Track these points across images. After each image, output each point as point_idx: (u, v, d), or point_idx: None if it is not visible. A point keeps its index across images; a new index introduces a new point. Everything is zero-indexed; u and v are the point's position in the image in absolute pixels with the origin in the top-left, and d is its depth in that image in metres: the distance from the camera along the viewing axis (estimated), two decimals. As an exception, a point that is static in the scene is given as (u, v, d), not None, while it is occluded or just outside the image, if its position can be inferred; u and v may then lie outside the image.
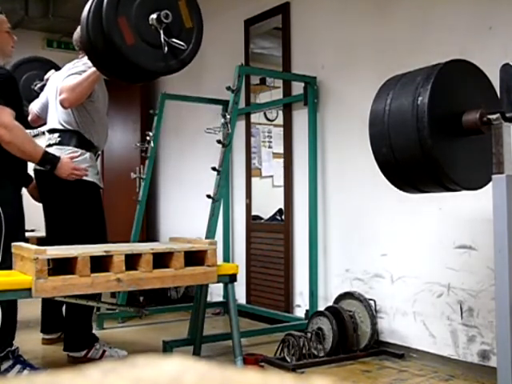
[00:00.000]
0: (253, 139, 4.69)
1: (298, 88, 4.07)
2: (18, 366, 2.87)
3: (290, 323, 3.82)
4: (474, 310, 3.02)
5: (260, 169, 4.81)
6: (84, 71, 3.14)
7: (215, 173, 3.39)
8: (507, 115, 2.10)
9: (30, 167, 3.26)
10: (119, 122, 6.32)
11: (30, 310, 3.78)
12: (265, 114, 4.81)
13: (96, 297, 3.11)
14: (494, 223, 2.09)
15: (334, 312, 3.31)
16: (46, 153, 3.00)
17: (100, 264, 2.57)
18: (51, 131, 3.29)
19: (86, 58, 3.12)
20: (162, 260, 2.73)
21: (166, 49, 2.65)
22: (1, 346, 2.82)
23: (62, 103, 3.11)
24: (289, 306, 4.14)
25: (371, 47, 3.60)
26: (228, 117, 3.38)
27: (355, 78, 3.70)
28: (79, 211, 3.22)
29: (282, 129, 4.32)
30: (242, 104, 4.22)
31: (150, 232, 5.79)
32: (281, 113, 4.38)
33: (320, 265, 3.89)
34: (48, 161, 2.99)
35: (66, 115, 3.22)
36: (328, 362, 3.17)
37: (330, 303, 3.56)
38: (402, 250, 3.39)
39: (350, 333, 3.28)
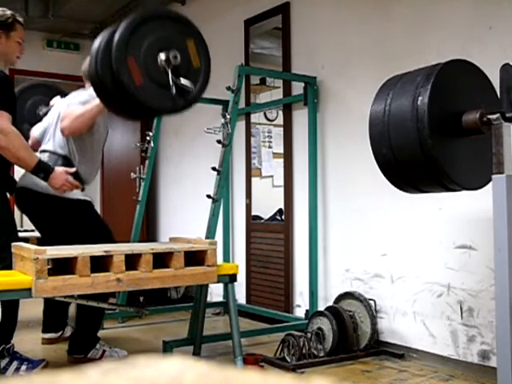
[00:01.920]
0: (253, 139, 4.69)
1: (298, 88, 4.07)
2: (16, 363, 2.87)
3: (289, 323, 3.82)
4: (474, 310, 3.02)
5: (260, 169, 4.81)
6: (89, 101, 3.14)
7: (215, 173, 3.39)
8: (507, 115, 2.10)
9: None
10: (119, 121, 6.32)
11: (30, 310, 3.78)
12: (265, 113, 4.81)
13: (106, 298, 3.12)
14: (494, 223, 2.09)
15: (333, 312, 3.31)
16: (41, 161, 2.97)
17: (100, 264, 2.57)
18: (43, 151, 3.27)
19: (91, 88, 3.11)
20: (162, 260, 2.74)
21: (174, 90, 2.65)
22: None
23: (62, 130, 3.14)
24: (289, 306, 4.14)
25: (371, 47, 3.60)
26: (228, 117, 3.38)
27: (355, 78, 3.70)
28: (73, 232, 3.20)
29: (281, 129, 4.32)
30: (242, 104, 4.22)
31: (150, 232, 5.79)
32: (281, 113, 4.38)
33: (320, 265, 3.89)
34: (42, 169, 2.95)
35: (62, 141, 3.22)
36: (328, 362, 3.17)
37: (330, 303, 3.56)
38: (402, 250, 3.39)
39: (350, 333, 3.28)
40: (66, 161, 3.19)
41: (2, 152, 2.85)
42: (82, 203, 3.23)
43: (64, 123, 3.11)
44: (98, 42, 2.69)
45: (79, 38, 6.51)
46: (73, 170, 3.11)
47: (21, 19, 3.15)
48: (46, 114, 3.65)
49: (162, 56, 2.63)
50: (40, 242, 3.44)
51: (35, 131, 3.45)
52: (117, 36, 2.58)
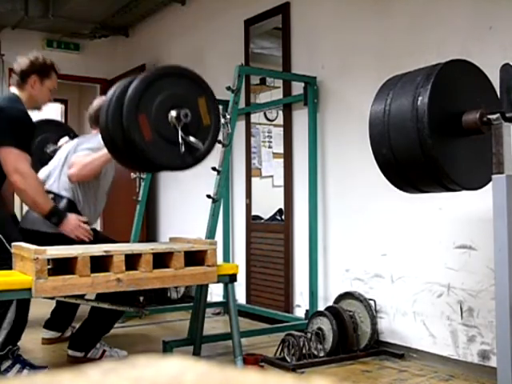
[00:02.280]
0: (253, 139, 4.69)
1: (298, 88, 4.07)
2: (18, 366, 2.87)
3: (290, 323, 3.82)
4: (474, 310, 3.02)
5: (260, 169, 4.81)
6: (98, 149, 3.17)
7: (215, 173, 3.39)
8: (507, 115, 2.10)
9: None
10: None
11: (30, 310, 3.77)
12: (265, 114, 4.81)
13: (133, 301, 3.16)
14: (494, 223, 2.09)
15: (334, 312, 3.31)
16: (55, 207, 3.05)
17: (100, 264, 2.57)
18: (47, 192, 3.25)
19: (100, 135, 3.12)
20: (162, 260, 2.74)
21: (183, 148, 2.66)
22: (7, 343, 2.82)
23: (69, 177, 3.19)
24: (289, 305, 4.14)
25: (371, 47, 3.60)
26: (228, 117, 3.38)
27: (355, 78, 3.70)
28: None
29: (281, 129, 4.32)
30: (242, 104, 4.22)
31: (150, 232, 5.79)
32: (281, 113, 4.38)
33: (320, 265, 3.89)
34: (56, 214, 3.02)
35: (67, 184, 3.25)
36: (328, 362, 3.17)
37: (330, 303, 3.56)
38: (402, 250, 3.39)
39: (350, 333, 3.28)
40: (70, 203, 3.22)
41: (19, 194, 2.94)
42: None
43: (72, 170, 3.18)
44: (110, 94, 2.71)
45: (79, 38, 6.51)
46: (84, 219, 3.18)
47: (57, 68, 3.21)
48: (53, 152, 3.68)
49: (173, 113, 2.65)
50: None
51: (41, 174, 3.42)
52: (130, 92, 2.60)
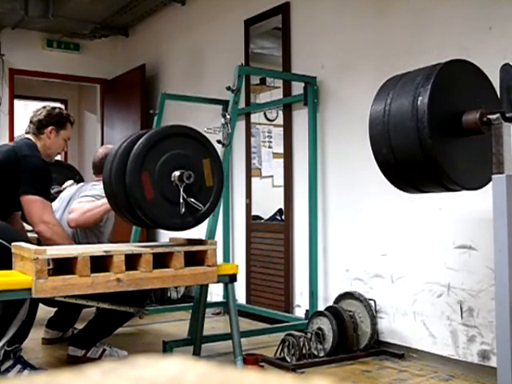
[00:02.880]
0: (253, 139, 4.69)
1: (298, 88, 4.07)
2: (19, 366, 2.87)
3: (290, 323, 3.82)
4: (474, 310, 3.02)
5: (260, 169, 4.81)
6: (101, 196, 3.21)
7: (215, 173, 3.39)
8: (507, 115, 2.10)
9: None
10: (119, 120, 6.32)
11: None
12: (265, 114, 4.81)
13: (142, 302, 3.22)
14: (494, 223, 2.09)
15: (334, 312, 3.31)
16: None
17: (100, 264, 2.57)
18: None
19: None
20: (162, 260, 2.73)
21: (183, 210, 2.68)
22: (15, 340, 2.82)
23: (69, 222, 3.23)
24: (289, 305, 4.14)
25: (371, 47, 3.60)
26: (228, 117, 3.38)
27: (355, 77, 3.70)
28: None
29: (281, 129, 4.32)
30: (242, 104, 4.22)
31: (150, 232, 5.79)
32: (281, 113, 4.38)
33: (320, 265, 3.89)
34: None
35: (68, 228, 3.28)
36: (328, 362, 3.17)
37: (330, 303, 3.56)
38: (402, 250, 3.39)
39: (350, 333, 3.28)
40: None
41: (45, 242, 3.04)
42: None
43: (72, 215, 3.23)
44: (116, 148, 2.74)
45: (79, 38, 6.50)
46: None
47: (73, 119, 3.37)
48: (57, 193, 3.74)
49: (177, 173, 2.67)
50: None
51: None
52: (135, 149, 2.62)
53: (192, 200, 2.71)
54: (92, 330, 3.27)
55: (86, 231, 3.35)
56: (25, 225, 3.45)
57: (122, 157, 2.65)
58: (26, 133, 3.26)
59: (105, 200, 3.13)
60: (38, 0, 5.54)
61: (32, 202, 2.97)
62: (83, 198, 3.31)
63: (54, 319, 3.64)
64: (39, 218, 2.98)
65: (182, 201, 2.66)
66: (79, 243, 3.29)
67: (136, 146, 2.63)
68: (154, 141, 2.66)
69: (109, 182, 2.73)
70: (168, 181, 2.67)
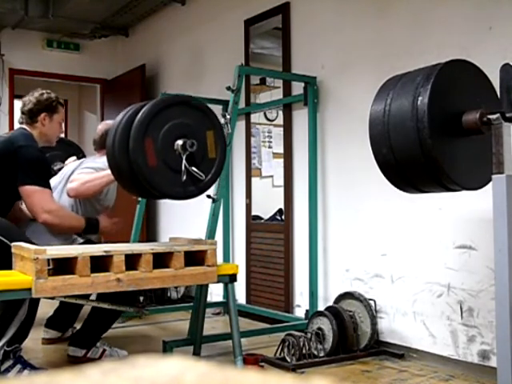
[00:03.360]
0: (253, 139, 4.69)
1: (298, 88, 4.07)
2: (19, 366, 2.87)
3: (290, 323, 3.82)
4: (474, 310, 3.02)
5: (260, 169, 4.81)
6: (102, 169, 3.22)
7: (215, 173, 3.39)
8: (507, 115, 2.10)
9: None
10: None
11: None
12: (265, 114, 4.81)
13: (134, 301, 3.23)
14: (494, 223, 2.09)
15: (334, 312, 3.31)
16: (88, 220, 3.19)
17: (100, 264, 2.57)
18: None
19: (105, 157, 3.15)
20: (162, 260, 2.74)
21: (185, 177, 2.68)
22: (15, 340, 2.82)
23: (68, 191, 3.23)
24: (289, 305, 4.14)
25: (371, 47, 3.60)
26: (228, 117, 3.38)
27: (355, 77, 3.70)
28: None
29: (281, 129, 4.32)
30: (242, 104, 4.22)
31: (149, 232, 5.79)
32: (281, 113, 4.38)
33: (320, 265, 3.88)
34: (91, 227, 3.21)
35: (68, 202, 3.29)
36: (328, 362, 3.17)
37: (330, 303, 3.56)
38: (402, 250, 3.39)
39: (350, 333, 3.28)
40: None
41: (56, 228, 3.07)
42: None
43: (72, 185, 3.22)
44: (120, 117, 2.74)
45: (79, 38, 6.50)
46: (116, 219, 3.35)
47: (62, 101, 3.33)
48: (60, 169, 3.74)
49: (180, 142, 2.67)
50: None
51: None
52: (140, 115, 2.63)
53: (193, 169, 2.70)
54: (90, 328, 3.27)
55: (84, 204, 3.32)
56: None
57: (125, 125, 2.65)
58: (20, 123, 3.23)
59: (105, 172, 3.14)
60: (37, 0, 5.54)
61: (31, 193, 2.95)
62: (84, 170, 3.30)
63: (52, 319, 3.64)
64: (41, 208, 2.96)
65: (183, 169, 2.66)
66: (77, 213, 3.29)
67: (140, 114, 2.63)
68: (159, 108, 2.66)
69: (112, 152, 2.72)
70: (171, 149, 2.67)
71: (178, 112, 2.71)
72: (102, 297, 2.99)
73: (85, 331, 3.27)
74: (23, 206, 3.18)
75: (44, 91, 3.24)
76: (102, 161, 3.30)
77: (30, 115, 3.16)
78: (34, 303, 2.84)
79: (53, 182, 3.43)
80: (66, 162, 3.85)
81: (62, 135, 3.39)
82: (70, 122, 7.90)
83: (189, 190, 2.74)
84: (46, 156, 3.14)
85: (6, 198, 3.06)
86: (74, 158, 3.89)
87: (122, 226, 3.37)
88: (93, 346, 3.26)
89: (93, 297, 3.08)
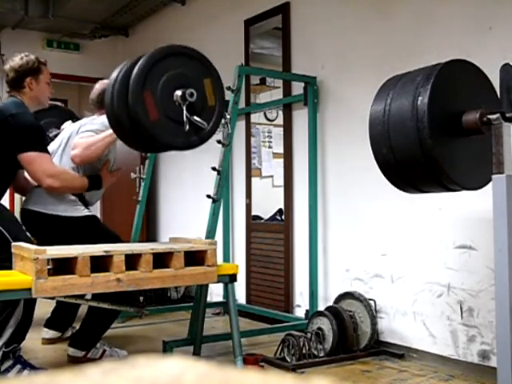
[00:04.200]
0: (253, 139, 4.69)
1: (298, 88, 4.07)
2: (18, 366, 2.87)
3: (290, 323, 3.82)
4: (474, 310, 3.02)
5: (260, 169, 4.81)
6: (101, 131, 3.19)
7: (215, 173, 3.39)
8: (507, 115, 2.10)
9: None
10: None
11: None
12: (265, 114, 4.81)
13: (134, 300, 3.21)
14: (494, 223, 2.09)
15: (334, 312, 3.31)
16: (90, 179, 3.20)
17: (100, 264, 2.57)
18: None
19: (103, 117, 3.12)
20: (162, 260, 2.73)
21: (188, 127, 2.67)
22: (12, 341, 2.82)
23: (73, 158, 3.19)
24: (289, 305, 4.14)
25: (371, 47, 3.60)
26: (228, 117, 3.37)
27: (355, 78, 3.70)
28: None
29: (281, 129, 4.32)
30: (242, 104, 4.22)
31: (150, 232, 5.79)
32: (281, 113, 4.38)
33: (320, 265, 3.88)
34: (94, 183, 3.23)
35: (68, 165, 3.24)
36: (328, 362, 3.17)
37: (330, 303, 3.56)
38: (402, 250, 3.39)
39: (350, 333, 3.28)
40: None
41: (59, 191, 3.07)
42: (89, 219, 3.27)
43: (75, 152, 3.18)
44: (116, 73, 2.71)
45: (79, 38, 6.50)
46: (120, 170, 3.43)
47: (43, 60, 3.26)
48: (56, 136, 3.68)
49: (179, 92, 2.65)
50: None
51: None
52: (136, 69, 2.60)
53: (195, 118, 2.70)
54: (88, 329, 3.26)
55: (85, 166, 3.27)
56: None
57: (123, 79, 2.63)
58: (8, 93, 3.18)
59: (106, 133, 3.12)
60: (37, 0, 5.54)
61: (30, 160, 2.93)
62: (84, 134, 3.25)
63: (51, 319, 3.64)
64: (43, 173, 2.94)
65: (185, 119, 2.65)
66: (77, 173, 3.27)
67: (137, 67, 2.61)
68: (155, 60, 2.64)
69: (111, 105, 2.69)
70: (171, 100, 2.66)
71: (173, 62, 2.70)
72: (100, 296, 2.98)
73: (84, 332, 3.26)
74: (27, 174, 3.15)
75: (22, 54, 3.16)
76: (100, 121, 3.25)
77: (16, 83, 3.10)
78: (31, 303, 2.83)
79: (51, 147, 3.40)
80: (62, 127, 3.77)
81: (51, 97, 3.32)
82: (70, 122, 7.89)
83: (191, 139, 2.73)
84: (38, 122, 3.09)
85: (6, 169, 3.03)
86: (70, 122, 3.80)
87: (119, 171, 3.42)
88: (93, 347, 3.26)
89: (88, 296, 3.06)
